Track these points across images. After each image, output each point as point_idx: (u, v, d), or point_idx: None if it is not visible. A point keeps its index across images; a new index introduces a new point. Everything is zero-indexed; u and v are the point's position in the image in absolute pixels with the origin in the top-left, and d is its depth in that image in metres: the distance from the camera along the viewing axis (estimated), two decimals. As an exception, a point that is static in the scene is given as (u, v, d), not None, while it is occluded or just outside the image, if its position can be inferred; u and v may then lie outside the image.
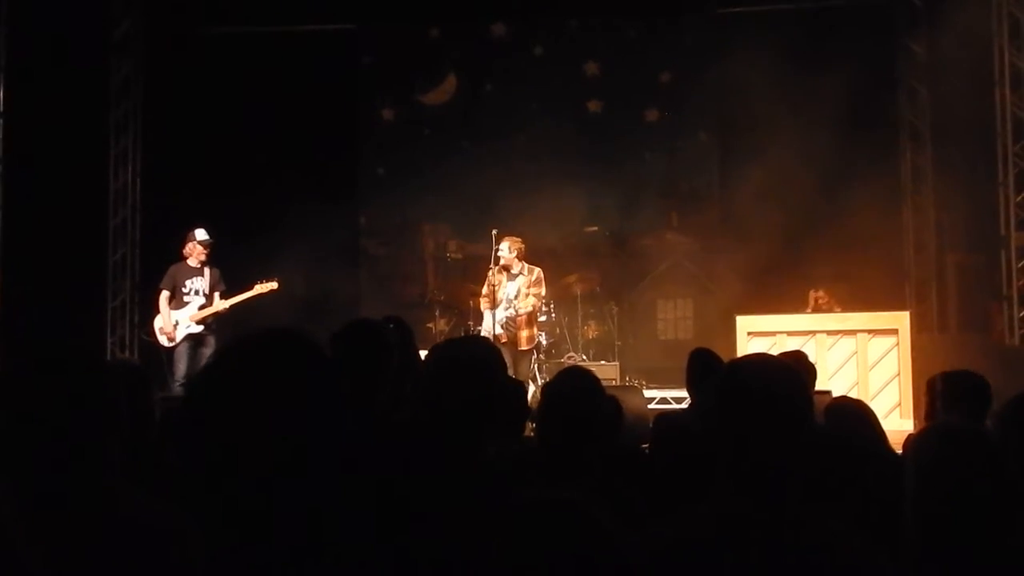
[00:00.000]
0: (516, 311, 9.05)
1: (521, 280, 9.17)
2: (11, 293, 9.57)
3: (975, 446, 2.20)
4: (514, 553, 1.31)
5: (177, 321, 9.14)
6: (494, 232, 9.14)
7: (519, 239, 9.24)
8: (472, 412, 2.44)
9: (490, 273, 9.17)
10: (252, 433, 1.48)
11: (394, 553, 1.79)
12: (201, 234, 9.19)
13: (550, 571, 1.30)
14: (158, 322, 9.21)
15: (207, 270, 9.23)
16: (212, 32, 11.53)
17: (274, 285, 9.10)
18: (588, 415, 3.23)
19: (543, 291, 9.33)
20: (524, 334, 9.14)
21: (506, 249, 9.12)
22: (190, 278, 9.19)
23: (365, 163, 12.51)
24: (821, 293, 10.34)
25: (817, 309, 10.00)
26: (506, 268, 9.16)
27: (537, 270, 9.28)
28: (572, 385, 3.31)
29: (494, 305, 9.09)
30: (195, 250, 9.19)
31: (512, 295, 9.13)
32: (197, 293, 9.18)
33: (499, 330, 9.01)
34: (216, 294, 9.22)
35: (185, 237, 9.26)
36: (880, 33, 10.87)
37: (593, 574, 1.31)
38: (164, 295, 9.17)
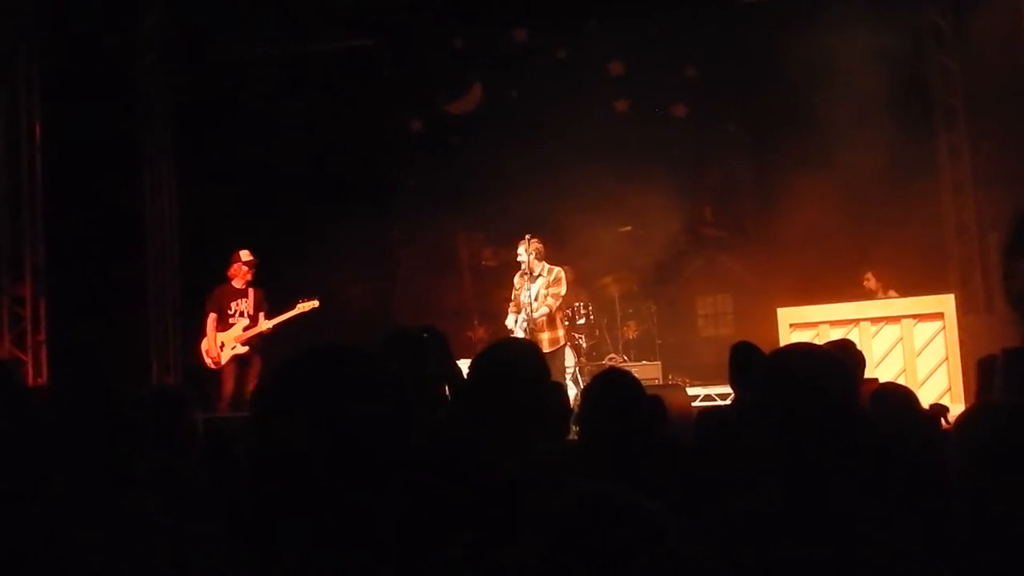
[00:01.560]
0: (530, 317, 9.02)
1: (540, 282, 9.15)
2: (57, 323, 9.72)
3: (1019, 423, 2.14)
4: (568, 545, 1.32)
5: (223, 343, 9.26)
6: (526, 237, 9.15)
7: (536, 240, 9.20)
8: (520, 413, 2.47)
9: (516, 278, 9.20)
10: (324, 443, 1.49)
11: (452, 554, 1.79)
12: (246, 255, 9.35)
13: (605, 560, 1.30)
14: (205, 345, 9.35)
15: (251, 291, 9.37)
16: (240, 54, 11.64)
17: (315, 303, 9.20)
18: (628, 414, 3.24)
19: (562, 291, 9.24)
20: (545, 336, 9.08)
21: (523, 252, 9.11)
22: (235, 300, 9.34)
23: (396, 175, 12.56)
24: (869, 275, 10.23)
25: (868, 293, 9.89)
26: (529, 271, 9.14)
27: (557, 270, 9.22)
28: (610, 386, 3.32)
29: (518, 309, 9.11)
30: (240, 271, 9.33)
31: (532, 297, 9.11)
32: (242, 315, 9.31)
33: (520, 334, 8.99)
34: (260, 314, 9.34)
35: (230, 259, 9.40)
36: (907, 11, 10.72)
37: (646, 562, 1.31)
38: (212, 318, 9.31)
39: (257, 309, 9.34)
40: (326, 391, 1.54)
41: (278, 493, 1.51)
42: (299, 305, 9.20)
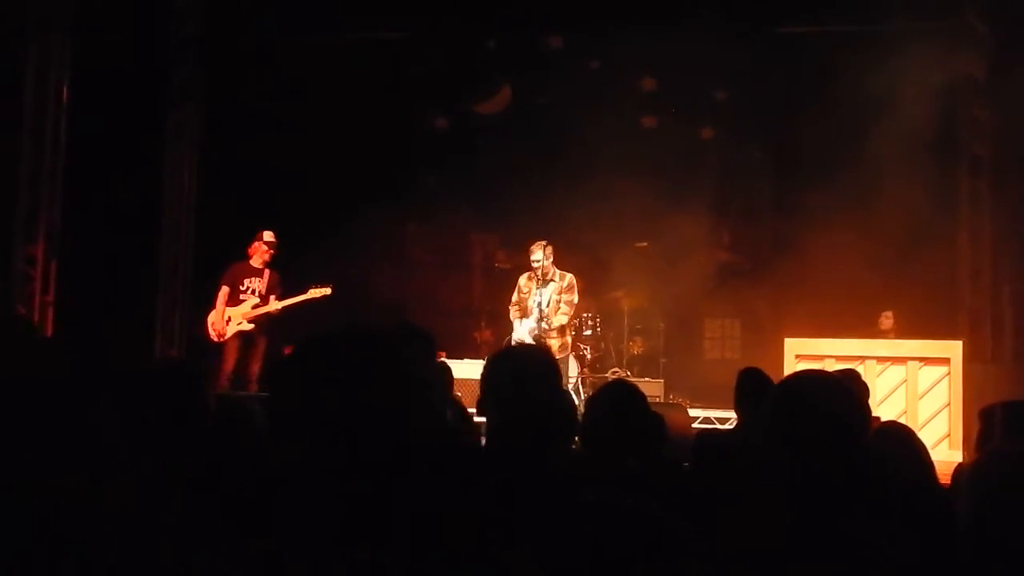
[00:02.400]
0: (549, 325, 8.90)
1: (552, 287, 9.01)
2: (66, 288, 9.76)
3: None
4: (570, 553, 1.32)
5: (230, 317, 9.29)
6: (541, 243, 9.09)
7: (549, 243, 9.10)
8: (535, 419, 2.48)
9: (521, 281, 9.09)
10: (335, 428, 1.48)
11: (463, 556, 1.78)
12: (269, 235, 9.43)
13: (616, 572, 1.31)
14: (212, 317, 9.37)
15: (267, 272, 9.42)
16: (270, 39, 11.66)
17: (327, 291, 9.20)
18: (633, 428, 3.25)
19: (575, 299, 9.12)
20: (556, 343, 8.93)
21: (540, 256, 8.92)
22: (249, 277, 9.39)
23: (417, 171, 12.57)
24: (888, 314, 10.20)
25: (879, 332, 9.86)
26: (542, 276, 9.04)
27: (569, 276, 9.10)
28: (618, 398, 3.33)
29: (525, 314, 9.00)
30: (260, 250, 9.39)
31: (544, 302, 8.97)
32: (253, 293, 9.35)
33: (529, 340, 8.86)
34: (272, 296, 9.36)
35: (253, 236, 9.47)
36: (941, 57, 10.69)
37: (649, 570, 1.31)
38: (224, 291, 9.36)
39: (270, 290, 9.37)
40: (343, 375, 1.52)
41: (284, 477, 1.50)
42: (311, 291, 9.20)
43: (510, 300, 9.29)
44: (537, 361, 2.64)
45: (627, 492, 1.43)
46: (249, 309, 9.28)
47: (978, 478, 2.08)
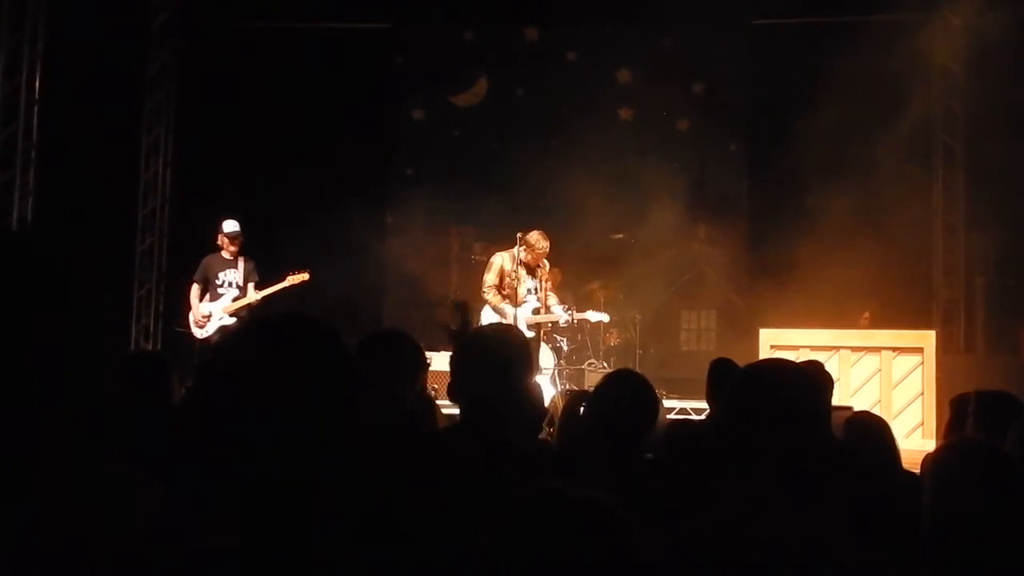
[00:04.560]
0: (569, 318, 8.99)
1: (537, 272, 9.06)
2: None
3: (996, 463, 2.16)
4: (533, 545, 1.32)
5: (211, 313, 9.12)
6: (518, 235, 9.06)
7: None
8: (503, 406, 2.43)
9: (505, 264, 9.02)
10: (262, 414, 1.46)
11: (413, 548, 1.76)
12: (228, 226, 9.13)
13: (568, 565, 1.30)
14: (192, 315, 9.23)
15: (241, 261, 9.18)
16: (248, 26, 11.60)
17: (305, 276, 9.04)
18: (643, 418, 3.28)
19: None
20: (531, 332, 8.94)
21: (543, 243, 8.88)
22: (223, 270, 9.15)
23: (394, 162, 12.55)
24: (867, 315, 10.28)
25: (857, 327, 9.92)
26: (535, 264, 9.01)
27: (546, 261, 9.10)
28: (628, 388, 3.35)
29: (514, 299, 8.95)
30: (224, 242, 9.17)
31: (534, 288, 9.02)
32: (231, 285, 9.14)
33: (529, 333, 8.84)
34: (250, 285, 9.17)
35: (215, 229, 9.26)
36: (916, 50, 10.75)
37: (610, 570, 1.31)
38: (195, 289, 9.16)
39: (247, 280, 9.18)
40: (270, 356, 1.50)
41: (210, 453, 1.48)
42: (289, 277, 9.04)
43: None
44: (507, 345, 2.58)
45: (602, 485, 1.43)
46: (230, 303, 9.12)
47: (939, 467, 2.10)
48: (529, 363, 2.59)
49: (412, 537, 1.72)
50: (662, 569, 1.61)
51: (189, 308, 9.22)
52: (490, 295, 9.08)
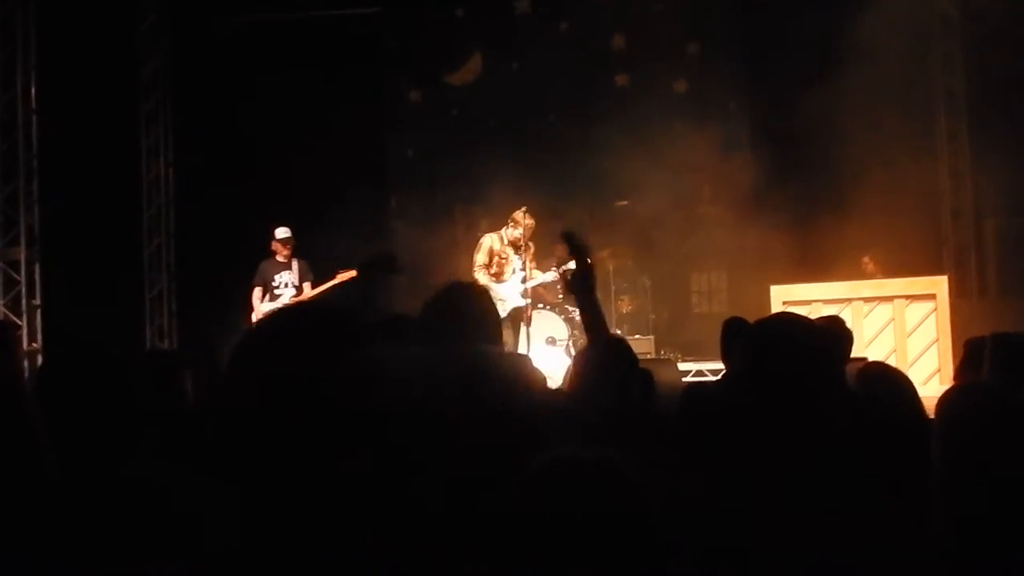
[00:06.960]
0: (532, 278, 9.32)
1: (521, 252, 9.45)
2: (51, 286, 9.73)
3: (1005, 407, 2.15)
4: (547, 508, 1.33)
5: None
6: (523, 209, 9.16)
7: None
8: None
9: (494, 244, 9.33)
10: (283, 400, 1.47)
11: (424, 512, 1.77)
12: (280, 233, 9.66)
13: (580, 526, 1.32)
14: (253, 318, 9.50)
15: (295, 263, 9.68)
16: (239, 20, 11.58)
17: (353, 273, 9.42)
18: (621, 383, 3.28)
19: None
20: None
21: (528, 220, 9.33)
22: (279, 272, 9.65)
23: (394, 146, 12.52)
24: (867, 259, 10.23)
25: (863, 275, 9.90)
26: (523, 243, 9.38)
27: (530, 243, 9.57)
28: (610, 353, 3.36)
29: (501, 278, 9.32)
30: (277, 247, 9.66)
31: (519, 267, 9.42)
32: (287, 286, 9.62)
33: (523, 301, 9.22)
34: (306, 284, 9.64)
35: (268, 235, 9.68)
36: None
37: (622, 529, 1.33)
38: (256, 292, 9.62)
39: (302, 279, 9.66)
40: (292, 350, 1.51)
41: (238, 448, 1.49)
42: (339, 275, 9.42)
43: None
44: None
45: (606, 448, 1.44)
46: (289, 301, 9.41)
47: (950, 409, 2.10)
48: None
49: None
50: (675, 526, 1.62)
51: (252, 310, 9.60)
52: (480, 274, 9.44)
